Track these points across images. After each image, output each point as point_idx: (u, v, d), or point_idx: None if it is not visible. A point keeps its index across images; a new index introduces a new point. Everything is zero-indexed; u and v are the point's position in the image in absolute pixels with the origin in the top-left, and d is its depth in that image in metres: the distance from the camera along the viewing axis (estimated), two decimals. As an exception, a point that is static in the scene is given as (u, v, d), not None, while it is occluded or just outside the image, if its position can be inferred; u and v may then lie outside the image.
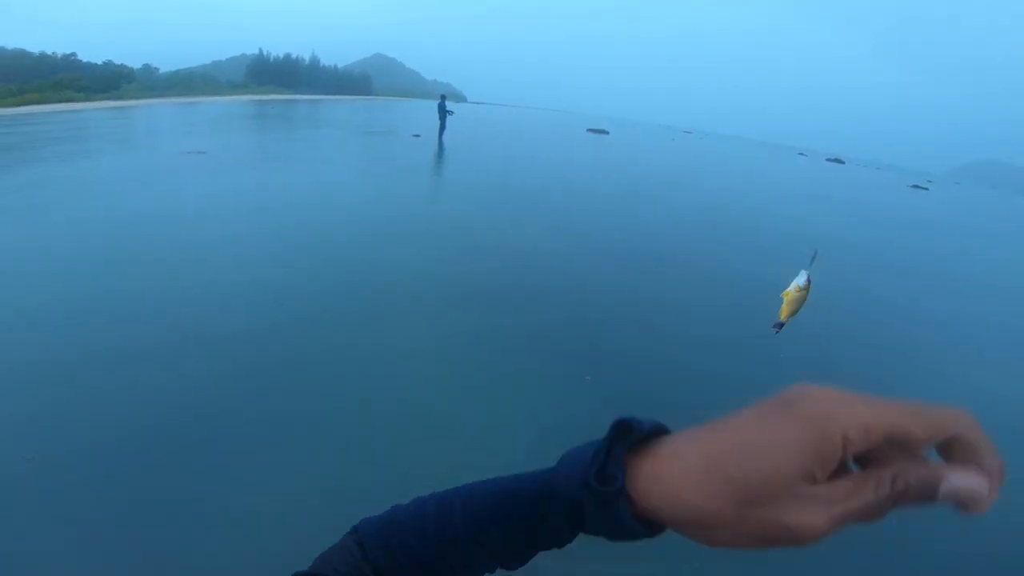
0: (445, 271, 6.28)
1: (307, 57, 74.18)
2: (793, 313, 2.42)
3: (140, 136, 17.20)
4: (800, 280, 2.40)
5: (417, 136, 19.55)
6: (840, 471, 0.29)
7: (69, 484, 2.70)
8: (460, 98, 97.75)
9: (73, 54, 45.60)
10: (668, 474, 0.32)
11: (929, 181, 44.42)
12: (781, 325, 2.47)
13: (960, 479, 0.27)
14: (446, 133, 18.83)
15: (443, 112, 18.61)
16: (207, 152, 12.37)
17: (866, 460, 0.29)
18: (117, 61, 43.33)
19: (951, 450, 0.28)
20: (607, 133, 39.12)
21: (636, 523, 0.35)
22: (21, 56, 44.57)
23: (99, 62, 43.70)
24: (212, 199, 8.48)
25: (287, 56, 71.36)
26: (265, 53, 70.25)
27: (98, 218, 7.15)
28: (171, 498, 2.64)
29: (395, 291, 5.56)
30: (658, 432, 0.37)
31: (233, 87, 53.78)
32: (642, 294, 6.32)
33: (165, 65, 51.33)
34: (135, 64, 45.29)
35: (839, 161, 49.65)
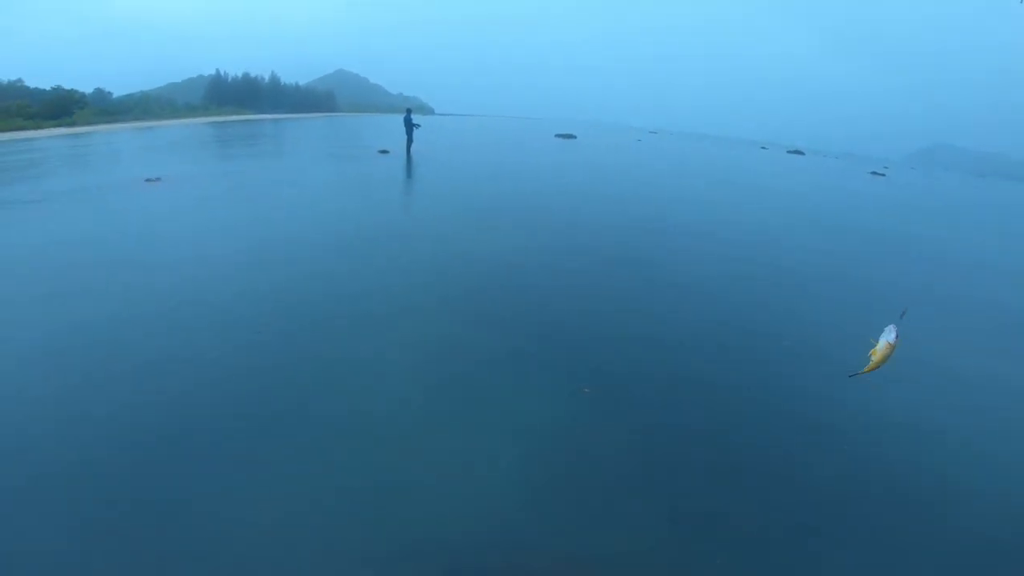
0: (422, 282, 6.24)
1: (267, 76, 72.84)
2: (879, 365, 2.38)
3: (97, 163, 16.51)
4: (890, 336, 2.33)
5: (385, 152, 19.31)
6: None
7: (62, 500, 2.81)
8: (427, 110, 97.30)
9: (19, 80, 43.85)
10: None
11: (886, 167, 46.08)
12: (857, 375, 2.45)
13: None
14: (414, 146, 18.68)
15: (410, 126, 18.48)
16: (174, 179, 11.93)
17: None
18: (67, 86, 41.66)
19: None
20: (575, 137, 39.51)
21: None
22: (-38, 86, 42.56)
23: (47, 87, 42.06)
24: (185, 225, 8.15)
25: (246, 75, 69.86)
26: (223, 73, 68.71)
27: (79, 241, 6.96)
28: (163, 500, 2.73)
29: (377, 302, 5.51)
30: None
31: (192, 109, 52.46)
32: (616, 290, 6.29)
33: (118, 89, 49.58)
34: (86, 89, 43.59)
35: (799, 152, 51.20)
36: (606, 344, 5.04)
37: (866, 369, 2.39)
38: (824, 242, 10.85)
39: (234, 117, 48.60)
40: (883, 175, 36.23)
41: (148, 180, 11.84)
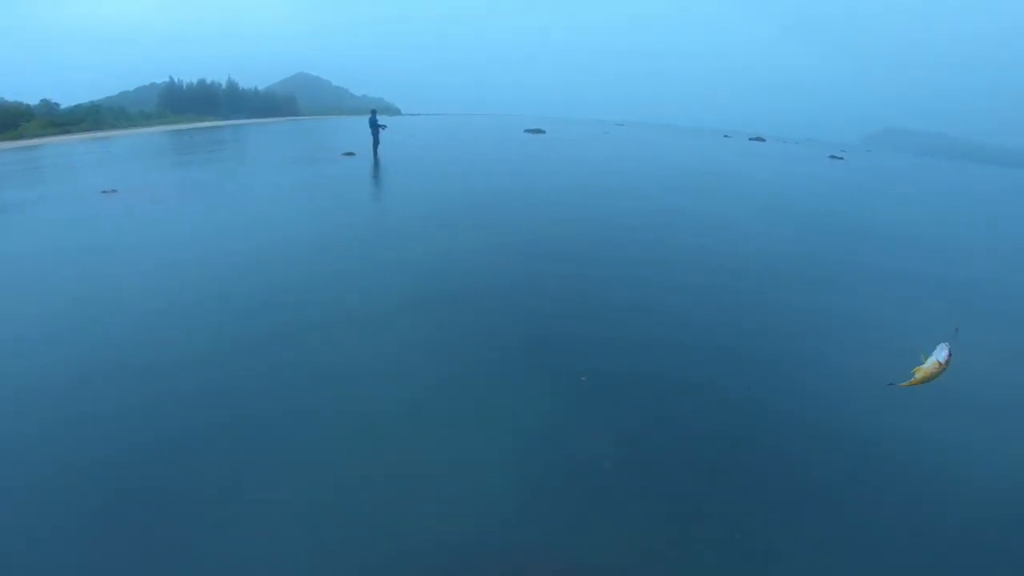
0: (396, 283, 6.16)
1: (224, 81, 70.66)
2: (921, 383, 2.20)
3: (50, 176, 15.79)
4: (940, 355, 2.15)
5: (351, 154, 19.05)
6: None
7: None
8: (393, 111, 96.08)
9: (-42, 95, 41.62)
10: None
11: (843, 151, 47.80)
12: (894, 385, 2.27)
13: None
14: (381, 148, 18.49)
15: (375, 127, 18.28)
16: (132, 189, 11.51)
17: None
18: (10, 98, 39.70)
19: None
20: (543, 132, 39.69)
21: None
22: None
23: (-11, 101, 39.96)
24: (144, 235, 7.87)
25: (201, 82, 67.64)
26: (177, 80, 66.38)
27: (39, 254, 6.67)
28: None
29: (353, 307, 5.42)
30: None
31: (146, 118, 50.54)
32: (595, 288, 6.38)
33: (66, 100, 47.28)
34: (31, 100, 41.57)
35: (760, 139, 52.57)
36: (591, 344, 4.99)
37: (906, 383, 2.23)
38: (795, 229, 11.18)
39: (191, 125, 47.12)
40: (841, 158, 37.55)
41: (104, 192, 11.42)
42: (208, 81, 68.89)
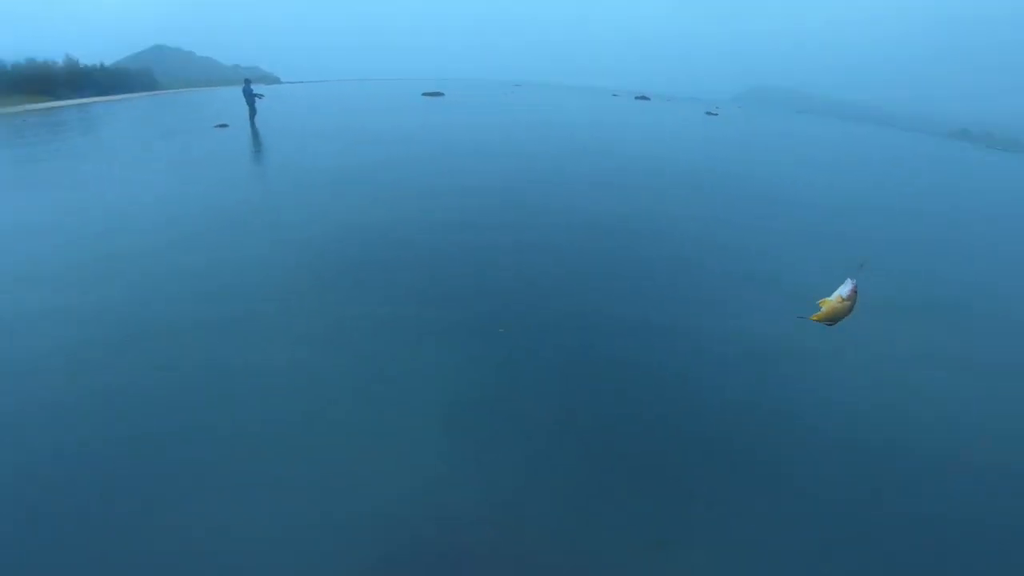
0: (289, 262, 5.93)
1: (60, 59, 59.69)
2: (828, 321, 2.14)
3: None
4: (843, 290, 2.09)
5: (224, 126, 17.40)
6: None
7: None
8: (272, 80, 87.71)
9: None
10: None
11: (717, 108, 51.80)
12: (803, 318, 2.19)
13: None
14: (257, 118, 17.18)
15: (250, 96, 16.97)
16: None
17: None
18: None
19: None
20: (442, 95, 38.64)
21: None
22: None
23: None
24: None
25: (31, 60, 56.67)
26: (-1, 60, 55.02)
27: None
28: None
29: (248, 295, 5.17)
30: None
31: (-40, 101, 41.87)
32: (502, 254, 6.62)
33: None
34: None
35: (645, 98, 55.18)
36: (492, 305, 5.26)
37: (815, 317, 2.16)
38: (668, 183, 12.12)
39: (21, 107, 39.87)
40: (716, 114, 40.75)
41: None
42: (40, 60, 57.96)
